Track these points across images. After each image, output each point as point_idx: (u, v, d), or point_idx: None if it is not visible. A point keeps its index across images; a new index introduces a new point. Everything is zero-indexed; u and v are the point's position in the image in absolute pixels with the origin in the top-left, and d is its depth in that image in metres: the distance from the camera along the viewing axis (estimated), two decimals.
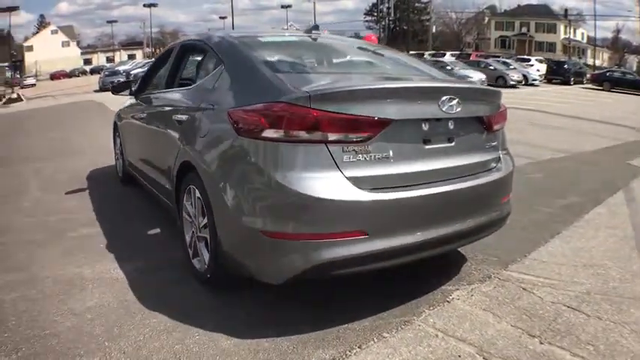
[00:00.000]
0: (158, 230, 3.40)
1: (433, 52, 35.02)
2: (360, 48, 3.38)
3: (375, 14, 47.74)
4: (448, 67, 20.54)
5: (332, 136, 1.94)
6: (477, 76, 19.83)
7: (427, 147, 2.20)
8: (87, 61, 65.41)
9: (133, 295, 2.42)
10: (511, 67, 25.18)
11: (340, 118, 1.95)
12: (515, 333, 2.10)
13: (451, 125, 2.29)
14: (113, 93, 4.15)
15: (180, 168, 2.60)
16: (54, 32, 66.54)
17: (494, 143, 2.57)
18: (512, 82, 22.59)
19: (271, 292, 2.39)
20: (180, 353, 1.94)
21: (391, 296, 2.43)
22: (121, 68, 32.19)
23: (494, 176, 2.48)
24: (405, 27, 54.20)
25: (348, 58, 3.12)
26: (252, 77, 2.26)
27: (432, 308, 2.33)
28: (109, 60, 62.03)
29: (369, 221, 1.99)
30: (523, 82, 23.87)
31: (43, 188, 4.73)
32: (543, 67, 28.96)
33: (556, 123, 10.38)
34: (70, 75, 52.25)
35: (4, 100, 25.59)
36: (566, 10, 48.59)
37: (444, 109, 2.19)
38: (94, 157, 6.08)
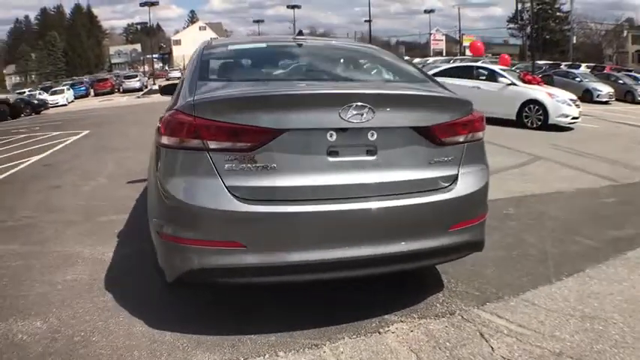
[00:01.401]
0: None
1: (569, 63, 32.41)
2: (328, 54, 3.07)
3: (517, 22, 44.55)
4: (577, 79, 19.69)
5: (214, 144, 1.93)
6: (605, 90, 18.78)
7: (332, 159, 2.01)
8: None
9: (104, 276, 2.77)
10: None
11: (222, 126, 1.93)
12: None
13: (372, 136, 2.05)
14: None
15: None
16: (202, 28, 74.14)
17: (447, 158, 2.20)
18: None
19: (211, 294, 2.51)
20: (101, 330, 2.20)
21: (326, 314, 2.33)
22: None
23: (438, 197, 2.14)
24: (546, 36, 50.93)
25: (299, 64, 2.89)
26: (182, 85, 2.37)
27: (354, 337, 2.16)
28: None
29: (245, 233, 1.94)
30: None
31: (112, 176, 5.59)
32: None
33: None
34: None
35: (144, 90, 29.63)
36: None
37: (346, 118, 1.98)
38: None
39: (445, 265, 2.83)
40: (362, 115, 2.00)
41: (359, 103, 1.99)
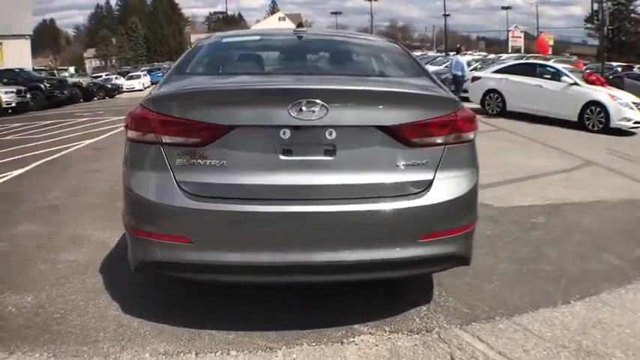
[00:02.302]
0: None
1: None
2: (320, 47, 2.94)
3: (593, 22, 40.96)
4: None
5: (167, 139, 1.92)
6: None
7: (284, 158, 1.91)
8: None
9: (103, 259, 2.93)
10: None
11: (173, 121, 1.92)
12: None
13: (330, 135, 1.91)
14: None
15: None
16: (281, 19, 75.56)
17: (419, 161, 2.00)
18: None
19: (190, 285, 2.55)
20: (79, 310, 2.33)
21: (293, 317, 2.26)
22: None
23: (406, 204, 1.95)
24: (622, 38, 47.30)
25: (283, 58, 2.81)
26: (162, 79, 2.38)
27: (314, 344, 2.07)
28: None
29: (193, 230, 1.92)
30: None
31: None
32: None
33: None
34: None
35: None
36: None
37: (296, 115, 1.86)
38: None
39: (442, 275, 2.64)
40: (313, 112, 1.87)
41: (310, 100, 1.87)
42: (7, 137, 9.24)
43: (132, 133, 2.02)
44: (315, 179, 1.93)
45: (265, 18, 76.98)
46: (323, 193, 1.93)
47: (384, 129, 1.96)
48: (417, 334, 2.17)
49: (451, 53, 17.25)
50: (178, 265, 1.97)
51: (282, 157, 1.92)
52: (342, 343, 2.10)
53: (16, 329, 2.18)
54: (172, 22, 70.99)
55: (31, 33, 25.88)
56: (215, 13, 79.97)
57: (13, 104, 14.61)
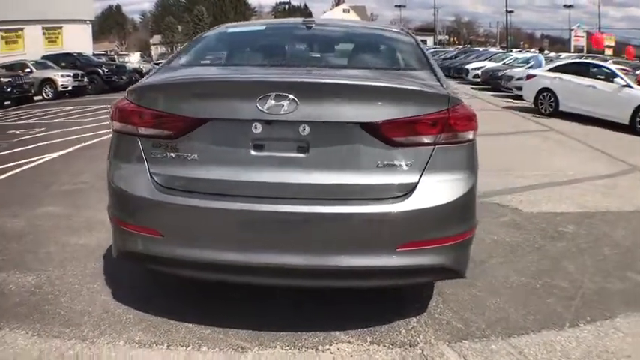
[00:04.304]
0: None
1: None
2: (321, 37, 2.76)
3: None
4: None
5: (143, 131, 1.92)
6: None
7: (256, 154, 1.84)
8: None
9: (109, 245, 2.98)
10: None
11: (148, 112, 1.91)
12: None
13: (303, 131, 1.80)
14: None
15: None
16: (346, 11, 75.33)
17: (402, 163, 1.84)
18: None
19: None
20: (73, 292, 2.42)
21: (274, 317, 2.20)
22: None
23: (383, 208, 1.81)
24: None
25: (280, 48, 2.68)
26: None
27: (287, 348, 2.00)
28: None
29: (163, 222, 1.90)
30: None
31: None
32: None
33: None
34: None
35: None
36: None
37: (265, 109, 1.77)
38: None
39: (446, 284, 2.49)
40: (282, 106, 1.77)
41: (280, 93, 1.78)
42: (56, 120, 9.79)
43: (114, 124, 2.04)
44: (286, 177, 1.84)
45: (331, 9, 77.12)
46: (294, 192, 1.84)
47: (363, 126, 1.81)
48: (399, 347, 2.03)
49: (513, 50, 16.71)
50: (151, 257, 1.98)
51: (253, 153, 1.85)
52: (316, 349, 2.02)
53: (12, 306, 2.30)
54: (238, 12, 72.09)
55: (92, 18, 26.46)
56: (280, 3, 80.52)
57: (70, 88, 15.26)
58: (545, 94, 10.13)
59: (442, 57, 25.33)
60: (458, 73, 19.67)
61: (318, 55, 2.60)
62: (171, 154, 1.90)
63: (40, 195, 4.23)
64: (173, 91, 1.97)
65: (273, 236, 1.85)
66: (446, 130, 1.87)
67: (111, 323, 2.17)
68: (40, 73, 14.94)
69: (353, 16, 73.15)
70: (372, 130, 1.81)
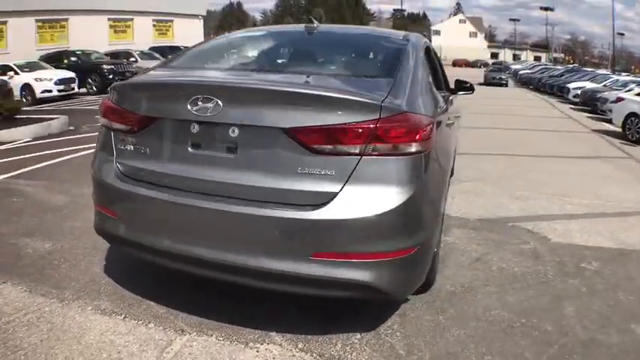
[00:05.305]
0: None
1: None
2: (311, 43, 2.79)
3: None
4: None
5: (114, 125, 2.19)
6: None
7: (192, 151, 1.98)
8: (493, 55, 68.94)
9: None
10: None
11: (117, 110, 2.16)
12: None
13: (233, 132, 1.90)
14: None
15: None
16: (462, 21, 73.30)
17: (324, 171, 1.81)
18: None
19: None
20: (76, 262, 2.78)
21: (238, 308, 2.32)
22: (514, 67, 36.58)
23: (298, 215, 1.81)
24: None
25: (264, 53, 2.76)
26: None
27: (220, 339, 2.10)
28: (516, 57, 64.06)
29: (120, 206, 2.16)
30: None
31: None
32: None
33: None
34: (472, 65, 56.91)
35: None
36: None
37: (193, 110, 1.91)
38: None
39: (415, 306, 2.43)
40: (207, 108, 1.89)
41: (206, 96, 1.90)
42: None
43: (100, 120, 2.34)
44: (216, 175, 1.95)
45: (448, 18, 75.62)
46: (222, 190, 1.94)
47: (286, 131, 1.84)
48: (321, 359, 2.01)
49: (623, 74, 15.51)
50: (112, 236, 2.26)
51: (191, 150, 2.00)
52: (246, 345, 2.09)
53: (21, 266, 2.74)
54: (356, 16, 73.09)
55: (204, 14, 27.46)
56: (397, 10, 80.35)
57: None
58: (632, 118, 9.01)
59: (549, 74, 24.58)
60: (560, 92, 19.13)
61: (285, 61, 2.64)
62: (131, 147, 2.14)
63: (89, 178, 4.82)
64: (133, 92, 2.21)
65: (199, 230, 1.97)
66: (374, 141, 1.80)
67: (90, 291, 2.48)
68: (144, 64, 15.93)
69: (469, 27, 70.42)
70: (294, 136, 1.83)
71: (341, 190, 1.82)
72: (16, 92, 11.65)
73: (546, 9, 53.20)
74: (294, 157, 1.84)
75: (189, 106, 1.93)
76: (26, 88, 12.08)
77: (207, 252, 1.95)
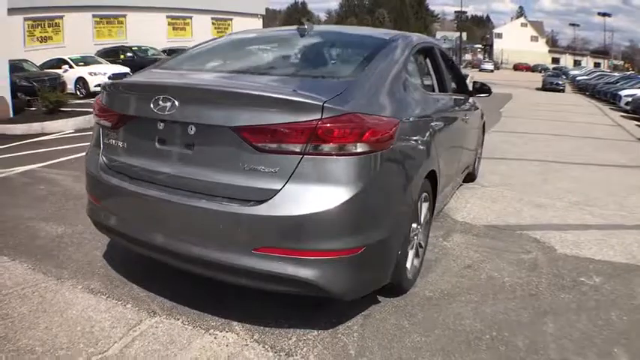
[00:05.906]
0: None
1: None
2: (298, 44, 2.84)
3: None
4: None
5: (101, 121, 2.40)
6: None
7: (159, 147, 2.13)
8: (554, 60, 66.40)
9: None
10: None
11: (103, 107, 2.37)
12: None
13: (191, 130, 2.02)
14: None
15: None
16: (523, 25, 70.36)
17: (267, 168, 1.88)
18: None
19: None
20: (82, 245, 3.05)
21: (211, 298, 2.42)
22: (572, 72, 36.42)
23: (241, 210, 1.89)
24: None
25: (248, 54, 2.88)
26: None
27: (185, 324, 2.22)
28: (576, 63, 61.55)
29: (100, 195, 2.37)
30: None
31: None
32: None
33: None
34: (533, 69, 54.63)
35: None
36: None
37: (155, 110, 2.05)
38: None
39: (384, 308, 2.42)
40: (165, 107, 2.04)
41: (164, 96, 2.04)
42: None
43: (94, 117, 2.56)
44: (175, 170, 2.10)
45: (511, 20, 73.46)
46: (179, 183, 2.08)
47: (233, 130, 1.93)
48: (274, 352, 2.06)
49: None
50: (97, 222, 2.49)
51: (158, 146, 2.15)
52: (207, 331, 2.19)
53: (33, 247, 3.04)
54: (419, 18, 71.60)
55: (263, 12, 27.97)
56: (459, 12, 78.21)
57: None
58: None
59: (605, 81, 23.80)
60: (612, 99, 18.15)
61: (260, 64, 2.74)
62: (112, 142, 2.35)
63: None
64: (115, 92, 2.39)
65: (160, 220, 2.13)
66: (316, 141, 1.84)
67: (85, 272, 2.71)
68: None
69: (530, 31, 67.40)
70: (241, 134, 1.91)
71: (282, 187, 1.87)
72: (70, 85, 12.56)
73: (604, 15, 49.59)
74: (241, 154, 1.93)
75: (152, 105, 2.09)
76: (80, 81, 12.78)
77: (166, 241, 2.09)
